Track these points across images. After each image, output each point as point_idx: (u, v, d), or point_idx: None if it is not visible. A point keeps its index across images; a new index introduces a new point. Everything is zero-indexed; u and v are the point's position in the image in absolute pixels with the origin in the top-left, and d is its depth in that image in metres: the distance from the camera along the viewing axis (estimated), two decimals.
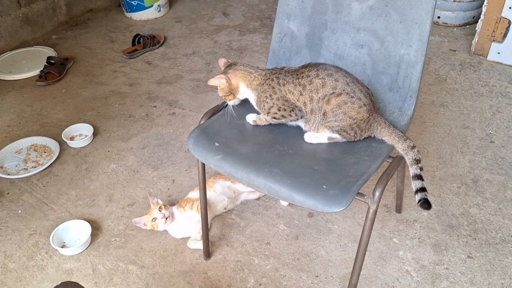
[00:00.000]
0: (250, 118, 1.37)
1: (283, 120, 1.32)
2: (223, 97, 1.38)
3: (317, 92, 1.24)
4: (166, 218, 1.68)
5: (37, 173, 2.05)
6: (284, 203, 1.83)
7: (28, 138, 2.23)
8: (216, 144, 1.28)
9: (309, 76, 1.26)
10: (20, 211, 1.88)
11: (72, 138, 2.24)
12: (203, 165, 1.43)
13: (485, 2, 2.52)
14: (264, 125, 1.35)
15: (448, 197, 1.83)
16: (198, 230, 1.69)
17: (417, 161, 1.22)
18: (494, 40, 2.57)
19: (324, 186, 1.11)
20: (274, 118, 1.32)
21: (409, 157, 1.23)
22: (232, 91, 1.36)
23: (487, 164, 1.97)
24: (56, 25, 3.32)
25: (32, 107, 2.49)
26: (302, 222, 1.77)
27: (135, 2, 3.30)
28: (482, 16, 2.56)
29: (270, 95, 1.30)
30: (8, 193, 1.97)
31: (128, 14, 3.42)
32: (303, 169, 1.18)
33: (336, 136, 1.27)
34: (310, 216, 1.80)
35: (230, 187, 1.82)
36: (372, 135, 1.27)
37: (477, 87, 2.45)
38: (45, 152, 2.17)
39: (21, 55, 2.95)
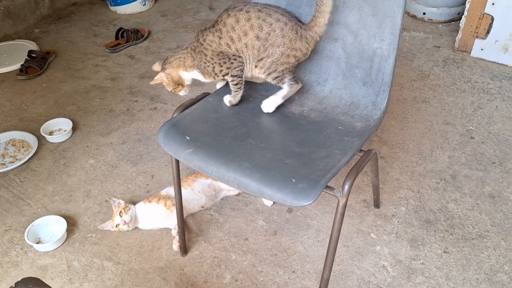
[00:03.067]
0: (226, 99, 1.41)
1: (237, 72, 1.33)
2: (174, 91, 1.43)
3: (233, 30, 1.27)
4: (128, 223, 1.66)
5: (14, 168, 2.03)
6: (267, 203, 1.80)
7: (6, 133, 2.20)
8: (187, 137, 1.26)
9: (222, 19, 1.28)
10: None
11: (51, 133, 2.21)
12: (177, 160, 1.41)
13: None
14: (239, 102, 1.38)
15: (427, 193, 1.83)
16: (173, 226, 1.68)
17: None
18: (477, 37, 2.58)
19: (293, 180, 1.10)
20: (228, 75, 1.34)
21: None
22: (178, 83, 1.42)
23: (467, 160, 1.97)
24: (39, 18, 3.28)
25: (11, 101, 2.46)
26: (281, 217, 1.77)
27: None
28: (465, 13, 2.56)
29: (205, 59, 1.34)
30: None
31: (113, 8, 3.38)
32: (274, 162, 1.17)
33: (285, 89, 1.33)
34: (290, 211, 1.79)
35: (211, 185, 1.80)
36: (318, 40, 1.31)
37: (459, 83, 2.46)
38: (23, 147, 2.15)
39: (2, 49, 2.91)
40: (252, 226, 1.74)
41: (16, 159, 2.08)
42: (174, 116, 1.35)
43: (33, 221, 1.76)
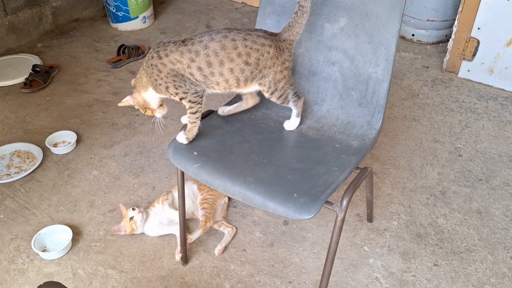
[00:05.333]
0: (180, 137, 1.39)
1: (195, 98, 1.31)
2: (146, 115, 1.44)
3: (216, 55, 1.25)
4: (142, 213, 1.76)
5: (19, 179, 2.09)
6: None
7: (12, 144, 2.26)
8: (195, 153, 1.35)
9: (202, 40, 1.25)
10: (2, 216, 1.91)
11: (55, 145, 2.28)
12: (182, 173, 1.49)
13: (456, 23, 2.65)
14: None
15: (417, 208, 1.93)
16: (175, 229, 1.76)
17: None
18: (464, 59, 2.71)
19: (295, 195, 1.18)
20: (185, 100, 1.31)
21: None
22: (144, 106, 1.40)
23: (455, 177, 2.08)
24: (42, 33, 3.36)
25: (16, 113, 2.52)
26: (277, 229, 1.85)
27: (120, 13, 3.36)
28: (453, 36, 2.69)
29: (158, 75, 1.27)
30: None
31: (114, 25, 3.47)
32: (276, 178, 1.26)
33: (291, 105, 1.41)
34: (285, 224, 1.87)
35: (195, 192, 1.87)
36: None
37: (447, 103, 2.58)
38: (28, 158, 2.21)
39: (6, 63, 2.98)
40: (249, 237, 1.82)
41: (22, 169, 2.14)
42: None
43: (39, 230, 1.82)
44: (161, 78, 1.28)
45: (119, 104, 1.44)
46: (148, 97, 1.39)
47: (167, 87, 1.29)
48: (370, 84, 1.40)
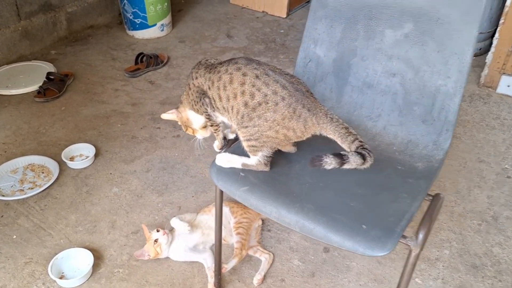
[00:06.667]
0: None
1: (206, 115, 1.24)
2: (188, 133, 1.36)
3: (224, 89, 1.15)
4: (168, 235, 1.61)
5: (34, 195, 1.93)
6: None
7: (25, 157, 2.11)
8: (242, 174, 1.19)
9: (220, 70, 1.17)
10: (15, 236, 1.75)
11: (72, 159, 2.12)
12: (222, 194, 1.33)
13: (497, 35, 2.51)
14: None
15: (469, 235, 1.76)
16: (209, 266, 1.59)
17: (361, 146, 1.08)
18: (504, 73, 2.56)
19: (364, 226, 1.02)
20: (204, 115, 1.26)
21: (353, 149, 1.09)
22: (186, 124, 1.32)
23: (506, 201, 1.91)
24: (56, 40, 3.23)
25: (29, 124, 2.37)
26: (317, 257, 1.68)
27: (138, 20, 3.24)
28: (492, 49, 2.55)
29: (188, 92, 1.25)
30: (2, 216, 1.84)
31: (130, 32, 3.35)
32: (338, 205, 1.10)
33: (253, 161, 1.18)
34: (326, 251, 1.70)
35: (227, 215, 1.71)
36: (317, 133, 1.14)
37: (488, 120, 2.42)
38: (43, 173, 2.05)
39: (19, 70, 2.84)
40: (287, 266, 1.65)
41: (36, 185, 1.98)
42: (225, 149, 1.28)
43: (55, 252, 1.66)
44: (192, 95, 1.25)
45: (163, 116, 1.33)
46: (191, 115, 1.30)
47: (195, 103, 1.25)
48: (438, 98, 1.25)
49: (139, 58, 2.90)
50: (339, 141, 1.11)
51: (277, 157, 1.25)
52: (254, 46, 3.24)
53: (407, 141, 1.31)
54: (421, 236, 1.01)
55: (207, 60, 1.25)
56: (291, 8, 3.67)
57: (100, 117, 2.44)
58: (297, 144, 1.26)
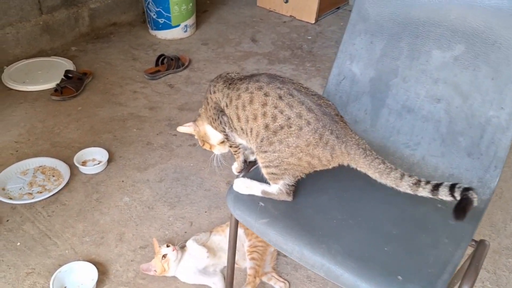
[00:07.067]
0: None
1: (231, 138, 1.14)
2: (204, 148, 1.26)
3: (244, 109, 1.04)
4: (177, 251, 1.51)
5: (42, 200, 1.84)
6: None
7: (37, 159, 2.03)
8: (261, 204, 1.07)
9: (239, 88, 1.06)
10: (19, 244, 1.67)
11: (84, 163, 2.04)
12: (237, 222, 1.22)
13: None
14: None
15: (504, 275, 1.60)
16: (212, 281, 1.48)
17: (417, 183, 0.95)
18: None
19: (400, 277, 0.89)
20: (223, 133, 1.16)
21: (404, 188, 0.96)
22: (203, 139, 1.23)
23: None
24: (77, 36, 3.16)
25: (44, 123, 2.30)
26: None
27: (161, 20, 3.15)
28: None
29: (205, 106, 1.17)
30: (7, 221, 1.76)
31: (153, 32, 3.26)
32: (370, 248, 0.97)
33: (273, 190, 1.07)
34: None
35: (241, 237, 1.58)
36: (345, 164, 1.02)
37: None
38: (53, 176, 1.97)
39: (37, 65, 2.78)
40: None
41: (45, 189, 1.90)
42: (244, 173, 1.16)
43: (59, 264, 1.58)
44: (209, 110, 1.16)
45: (179, 129, 1.24)
46: (210, 130, 1.19)
47: (213, 120, 1.16)
48: (488, 130, 1.10)
49: (160, 60, 2.80)
50: (376, 177, 0.98)
51: (301, 185, 1.12)
52: (279, 52, 3.12)
53: (448, 175, 1.17)
54: None
55: (228, 73, 1.15)
56: (320, 13, 3.53)
57: (116, 120, 2.35)
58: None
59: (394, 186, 0.96)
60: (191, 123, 1.23)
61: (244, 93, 1.04)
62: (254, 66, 2.94)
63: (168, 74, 2.78)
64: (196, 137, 1.25)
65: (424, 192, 0.94)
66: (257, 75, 1.06)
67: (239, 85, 1.06)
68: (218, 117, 1.12)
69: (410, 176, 0.95)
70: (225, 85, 1.11)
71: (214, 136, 1.21)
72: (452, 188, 0.92)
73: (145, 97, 2.55)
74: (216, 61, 2.98)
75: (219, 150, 1.25)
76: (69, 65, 2.77)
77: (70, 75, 2.57)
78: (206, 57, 3.03)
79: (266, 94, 1.01)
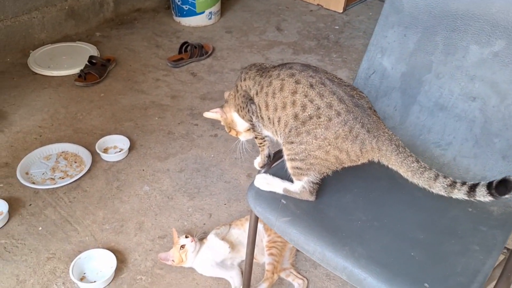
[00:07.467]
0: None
1: (258, 128, 1.11)
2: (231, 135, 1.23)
3: (273, 97, 1.01)
4: (196, 243, 1.51)
5: (64, 186, 1.86)
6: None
7: (60, 144, 2.04)
8: (283, 201, 1.04)
9: (271, 75, 1.02)
10: (40, 228, 1.68)
11: (106, 150, 2.04)
12: (257, 219, 1.19)
13: None
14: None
15: None
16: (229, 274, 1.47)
17: (452, 185, 0.90)
18: None
19: (427, 285, 0.85)
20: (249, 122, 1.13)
21: (437, 189, 0.92)
22: (230, 126, 1.20)
23: None
24: (101, 21, 3.16)
25: (67, 108, 2.31)
26: None
27: (186, 7, 3.11)
28: None
29: (234, 94, 1.14)
30: (30, 205, 1.77)
31: (177, 19, 3.23)
32: (395, 253, 0.93)
33: (296, 188, 1.03)
34: None
35: (260, 232, 1.56)
36: (375, 160, 0.97)
37: None
38: (75, 162, 1.98)
39: (62, 50, 2.79)
40: None
41: (67, 175, 1.91)
42: (265, 169, 1.13)
43: (79, 250, 1.59)
44: (238, 98, 1.14)
45: (205, 114, 1.23)
46: (237, 117, 1.17)
47: (241, 108, 1.13)
48: None
49: (184, 47, 2.78)
50: (408, 176, 0.93)
51: (324, 183, 1.08)
52: (305, 41, 3.05)
53: (480, 178, 1.11)
54: None
55: (262, 63, 1.12)
56: (348, 2, 3.44)
57: (138, 108, 2.34)
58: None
59: (426, 186, 0.92)
60: (218, 109, 1.21)
61: (275, 79, 1.02)
62: (278, 55, 2.88)
63: (191, 62, 2.75)
64: (222, 123, 1.23)
65: (459, 194, 0.89)
66: (290, 63, 1.04)
67: (271, 73, 1.04)
68: (246, 105, 1.09)
69: (445, 177, 0.90)
70: (258, 73, 1.09)
71: (241, 123, 1.18)
72: (489, 186, 0.87)
73: (167, 85, 2.54)
74: (240, 50, 2.94)
75: (245, 137, 1.23)
76: (93, 50, 2.77)
77: (94, 61, 2.57)
78: (230, 45, 2.99)
79: (297, 82, 0.98)
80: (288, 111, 0.99)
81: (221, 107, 1.22)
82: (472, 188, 0.88)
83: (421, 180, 0.92)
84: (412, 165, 0.92)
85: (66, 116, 2.26)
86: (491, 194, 0.86)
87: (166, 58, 2.76)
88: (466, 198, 0.89)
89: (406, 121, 1.21)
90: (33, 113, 2.26)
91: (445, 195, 0.91)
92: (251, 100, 1.08)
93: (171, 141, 2.13)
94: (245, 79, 1.11)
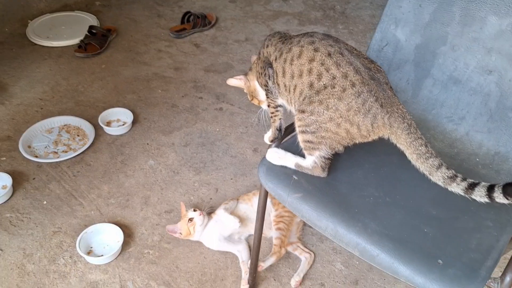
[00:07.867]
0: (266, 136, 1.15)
1: (272, 94, 1.10)
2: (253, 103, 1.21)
3: (291, 63, 0.99)
4: (204, 216, 1.51)
5: (67, 159, 1.84)
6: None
7: (62, 117, 2.02)
8: (295, 177, 1.02)
9: (291, 42, 1.01)
10: (45, 202, 1.68)
11: (108, 123, 2.01)
12: (266, 194, 1.18)
13: None
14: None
15: None
16: (243, 260, 1.46)
17: (452, 178, 0.92)
18: None
19: (440, 261, 0.84)
20: (265, 89, 1.11)
21: (436, 178, 0.93)
22: (253, 95, 1.18)
23: None
24: None
25: (68, 80, 2.27)
26: (363, 263, 1.52)
27: None
28: None
29: (257, 62, 1.13)
30: (34, 179, 1.76)
31: None
32: (408, 229, 0.92)
33: (308, 163, 1.01)
34: None
35: (268, 207, 1.55)
36: (385, 137, 0.96)
37: None
38: (78, 136, 1.96)
39: (61, 20, 2.73)
40: (329, 269, 1.50)
41: (70, 148, 1.89)
42: (277, 144, 1.10)
43: (85, 224, 1.59)
44: (259, 65, 1.13)
45: (228, 82, 1.20)
46: (259, 86, 1.15)
47: (259, 74, 1.12)
48: None
49: (186, 17, 2.71)
50: (412, 158, 0.93)
51: (335, 159, 1.07)
52: (310, 12, 2.98)
53: (494, 153, 1.09)
54: (508, 279, 0.83)
55: (286, 32, 1.12)
56: None
57: (140, 80, 2.30)
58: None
59: (427, 173, 0.93)
60: (242, 76, 1.19)
61: (295, 46, 1.00)
62: (283, 26, 2.82)
63: (194, 32, 2.69)
64: (245, 91, 1.22)
65: (457, 188, 0.92)
66: (312, 32, 1.02)
67: (292, 39, 1.03)
68: (264, 69, 1.08)
69: (448, 168, 0.90)
70: (280, 40, 1.08)
71: (263, 92, 1.16)
72: (491, 188, 0.87)
73: (170, 56, 2.49)
74: (244, 20, 2.87)
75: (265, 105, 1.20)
76: (93, 20, 2.71)
77: (94, 31, 2.52)
78: (234, 15, 2.91)
79: (316, 50, 0.96)
80: (304, 79, 0.97)
81: (245, 74, 1.20)
82: (471, 186, 0.90)
83: (423, 165, 0.92)
84: (420, 148, 0.92)
85: (67, 89, 2.22)
86: (489, 197, 0.90)
87: (168, 28, 2.70)
88: (462, 194, 0.91)
89: (418, 95, 1.18)
90: (33, 85, 2.22)
91: (442, 185, 0.92)
92: (269, 64, 1.07)
93: (176, 114, 2.10)
94: (267, 46, 1.10)
